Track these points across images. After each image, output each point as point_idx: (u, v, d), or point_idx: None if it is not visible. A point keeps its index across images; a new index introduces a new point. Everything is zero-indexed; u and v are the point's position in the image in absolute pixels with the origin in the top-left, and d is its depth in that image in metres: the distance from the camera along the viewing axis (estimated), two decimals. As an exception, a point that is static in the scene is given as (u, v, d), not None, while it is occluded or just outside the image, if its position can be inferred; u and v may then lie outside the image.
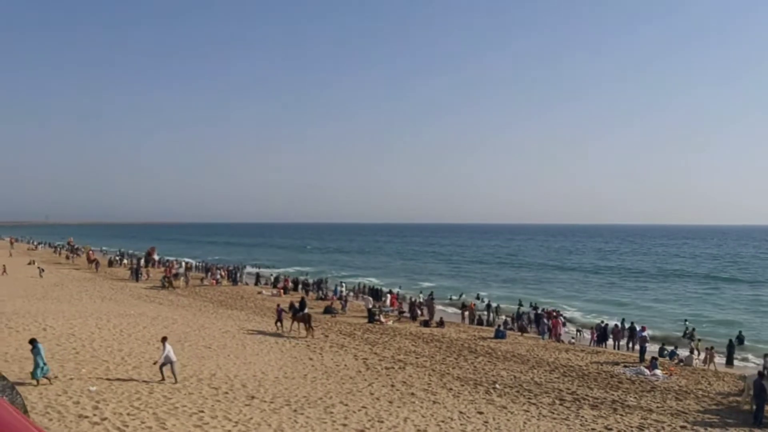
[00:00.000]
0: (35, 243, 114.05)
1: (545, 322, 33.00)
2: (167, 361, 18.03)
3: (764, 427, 17.28)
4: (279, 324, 30.88)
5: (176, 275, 52.05)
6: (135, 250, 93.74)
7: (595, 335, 32.15)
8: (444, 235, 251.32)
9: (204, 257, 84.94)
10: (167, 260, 73.91)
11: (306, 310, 31.50)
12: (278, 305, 33.41)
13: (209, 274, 57.86)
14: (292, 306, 32.71)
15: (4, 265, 55.19)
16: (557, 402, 19.08)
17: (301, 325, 29.74)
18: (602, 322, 33.27)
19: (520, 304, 42.74)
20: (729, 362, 28.58)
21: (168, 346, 18.15)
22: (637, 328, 32.52)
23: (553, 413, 17.86)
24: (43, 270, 53.49)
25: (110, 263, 67.11)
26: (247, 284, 54.54)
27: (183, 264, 69.97)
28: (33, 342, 16.52)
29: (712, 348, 27.78)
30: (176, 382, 18.00)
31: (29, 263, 64.39)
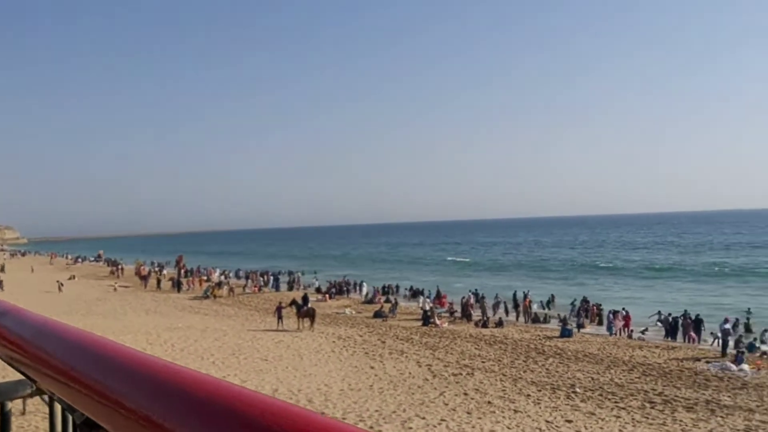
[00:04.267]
0: (73, 258, 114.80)
1: (611, 318, 31.48)
2: None
3: None
4: (280, 321, 31.66)
5: (219, 284, 51.39)
6: (160, 260, 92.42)
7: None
8: (446, 233, 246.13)
9: (232, 266, 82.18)
10: (204, 269, 73.37)
11: (309, 305, 32.78)
12: (279, 302, 33.88)
13: (249, 281, 57.18)
14: (294, 302, 33.01)
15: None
16: (647, 405, 17.67)
17: (306, 320, 31.20)
18: (669, 314, 31.56)
19: (573, 302, 40.77)
20: None
21: None
22: (703, 320, 30.84)
23: (647, 418, 16.50)
24: (62, 284, 52.52)
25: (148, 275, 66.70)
26: (290, 290, 53.57)
27: (219, 272, 69.42)
28: None
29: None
30: None
31: (69, 278, 64.37)
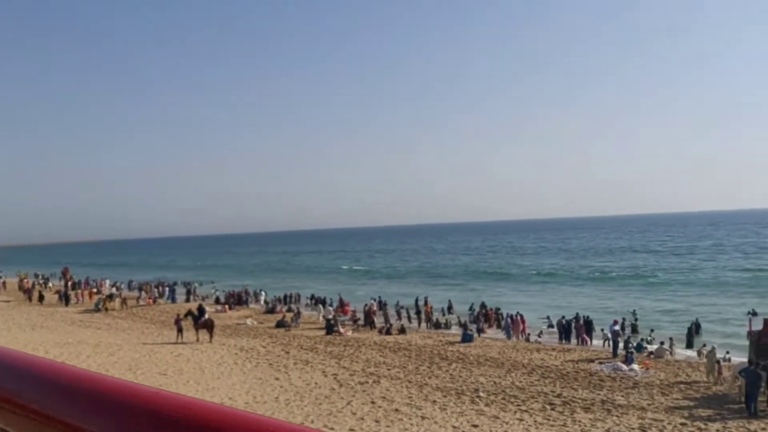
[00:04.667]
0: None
1: (509, 322, 32.50)
2: None
3: (759, 418, 17.06)
4: (180, 334, 30.47)
5: (111, 296, 48.97)
6: (44, 272, 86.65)
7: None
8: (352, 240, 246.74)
9: (121, 278, 77.67)
10: (94, 280, 69.84)
11: (206, 316, 31.78)
12: (177, 315, 32.48)
13: (143, 292, 54.88)
14: (190, 313, 31.86)
15: None
16: (548, 407, 18.34)
17: (204, 332, 30.31)
18: (563, 317, 32.95)
19: (471, 307, 41.90)
20: (689, 346, 28.86)
21: None
22: (590, 322, 32.38)
23: (549, 420, 17.11)
24: None
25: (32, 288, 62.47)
26: (187, 301, 51.83)
27: (110, 283, 66.34)
28: None
29: (671, 339, 28.29)
30: None
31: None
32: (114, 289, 58.90)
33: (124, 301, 47.71)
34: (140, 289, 57.93)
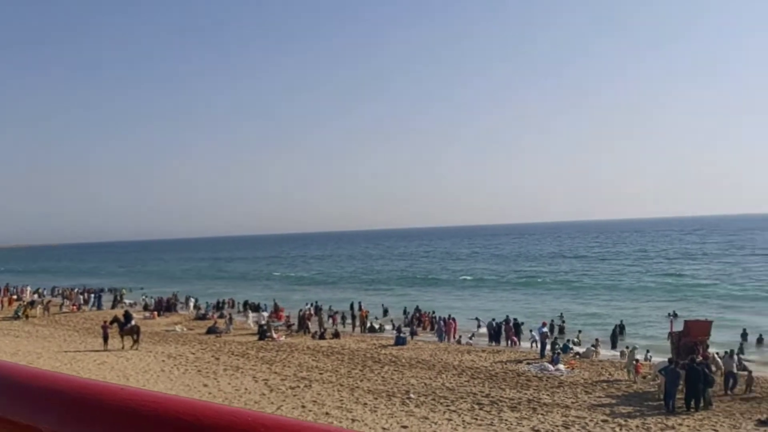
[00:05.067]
0: None
1: (442, 325, 32.83)
2: None
3: (677, 414, 17.73)
4: (105, 342, 29.56)
5: (32, 303, 47.00)
6: None
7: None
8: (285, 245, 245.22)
9: (43, 284, 74.25)
10: (14, 287, 66.89)
11: (133, 322, 30.56)
12: (104, 322, 31.18)
13: (66, 299, 52.98)
14: (116, 320, 30.70)
15: None
16: (476, 407, 18.59)
17: (129, 338, 29.53)
18: (493, 320, 33.56)
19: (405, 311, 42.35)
20: (614, 347, 29.82)
21: None
22: (520, 324, 33.08)
23: (476, 419, 17.35)
24: None
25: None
26: (113, 308, 50.24)
27: (31, 290, 63.72)
28: None
29: (597, 340, 29.20)
30: None
31: None
32: (36, 296, 56.64)
33: (46, 307, 45.89)
34: (63, 296, 55.96)
